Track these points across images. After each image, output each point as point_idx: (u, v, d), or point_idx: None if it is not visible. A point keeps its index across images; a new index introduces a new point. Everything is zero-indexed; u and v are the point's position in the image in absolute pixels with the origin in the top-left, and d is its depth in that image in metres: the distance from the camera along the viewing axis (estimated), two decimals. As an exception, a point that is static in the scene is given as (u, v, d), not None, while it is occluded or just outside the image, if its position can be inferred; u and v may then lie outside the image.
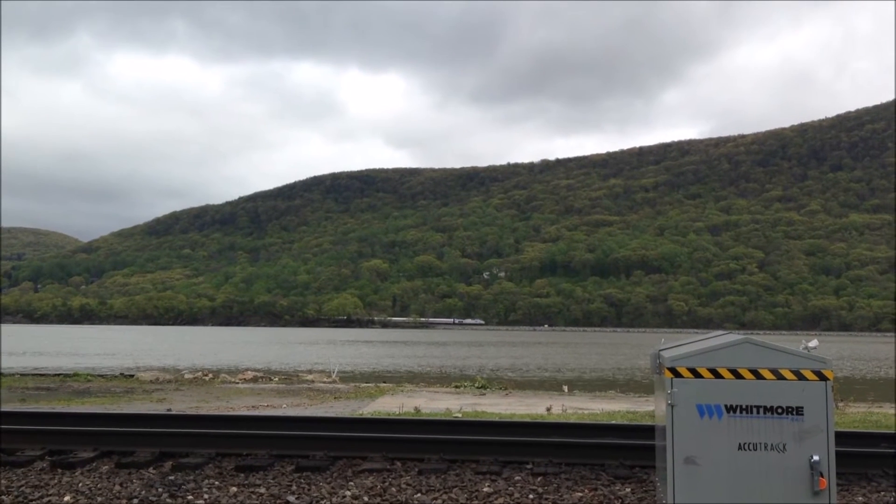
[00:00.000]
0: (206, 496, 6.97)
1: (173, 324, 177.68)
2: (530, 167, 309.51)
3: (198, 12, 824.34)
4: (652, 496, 7.00)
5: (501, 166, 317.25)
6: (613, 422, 11.93)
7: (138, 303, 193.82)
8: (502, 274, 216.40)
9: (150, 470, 7.88)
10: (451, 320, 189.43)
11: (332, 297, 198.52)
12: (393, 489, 7.19)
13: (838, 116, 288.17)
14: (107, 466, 7.96)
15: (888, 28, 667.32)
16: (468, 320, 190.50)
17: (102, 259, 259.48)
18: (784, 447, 4.91)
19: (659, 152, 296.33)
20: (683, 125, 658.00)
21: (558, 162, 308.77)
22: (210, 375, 26.19)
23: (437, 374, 34.25)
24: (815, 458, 4.86)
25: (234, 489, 7.16)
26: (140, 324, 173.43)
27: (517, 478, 7.59)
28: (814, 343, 5.22)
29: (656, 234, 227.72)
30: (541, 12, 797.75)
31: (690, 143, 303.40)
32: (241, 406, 16.05)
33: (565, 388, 23.78)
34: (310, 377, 26.68)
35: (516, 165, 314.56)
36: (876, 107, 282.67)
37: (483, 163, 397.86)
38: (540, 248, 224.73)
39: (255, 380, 24.79)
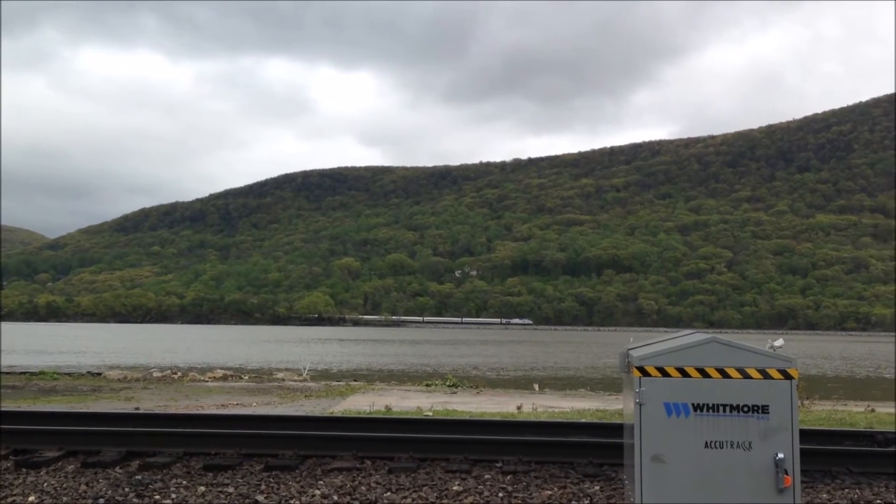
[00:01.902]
0: (173, 496, 6.91)
1: (142, 322, 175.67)
2: (502, 166, 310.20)
3: (168, 7, 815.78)
4: (620, 494, 7.05)
5: (473, 165, 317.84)
6: (583, 420, 12.00)
7: (106, 300, 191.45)
8: (474, 273, 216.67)
9: (117, 469, 7.79)
10: (498, 321, 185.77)
11: (303, 295, 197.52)
12: (363, 488, 7.18)
13: (805, 118, 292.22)
14: (72, 466, 7.87)
15: (854, 31, 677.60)
16: (516, 320, 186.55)
17: (70, 256, 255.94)
18: (750, 445, 4.97)
19: (630, 152, 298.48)
20: (653, 126, 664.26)
21: (530, 161, 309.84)
22: (179, 374, 25.96)
23: (409, 373, 34.23)
24: (780, 455, 4.92)
25: (203, 489, 7.11)
26: (108, 322, 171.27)
27: (487, 476, 7.62)
28: (779, 342, 5.28)
29: (627, 233, 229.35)
30: (513, 13, 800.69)
31: (661, 143, 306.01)
32: (210, 405, 15.92)
33: (536, 386, 23.88)
34: (280, 375, 26.54)
35: (488, 164, 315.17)
36: (842, 109, 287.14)
37: (455, 162, 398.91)
38: (511, 247, 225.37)
39: (224, 378, 24.61)
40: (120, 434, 8.68)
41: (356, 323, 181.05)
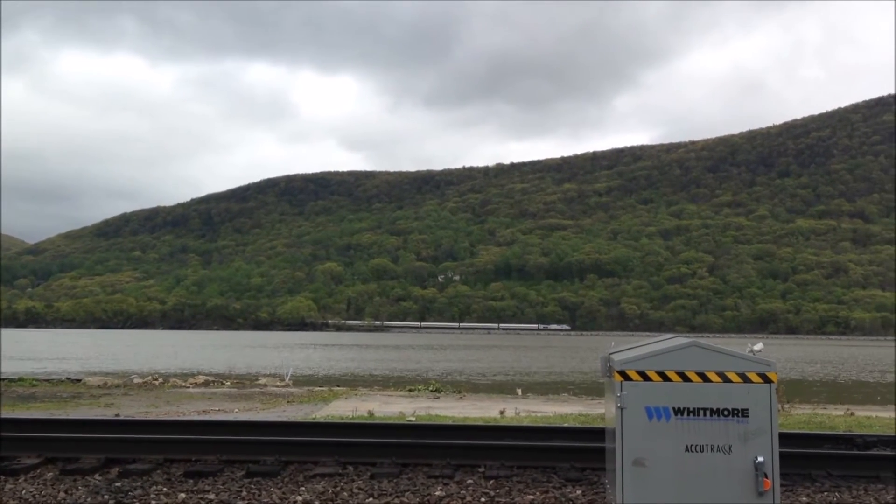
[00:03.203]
0: (153, 503, 6.87)
1: (122, 327, 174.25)
2: (485, 171, 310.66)
3: (148, 10, 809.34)
4: (602, 498, 7.07)
5: (456, 170, 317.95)
6: (565, 424, 12.03)
7: (86, 306, 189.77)
8: (457, 277, 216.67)
9: (97, 476, 7.73)
10: (535, 326, 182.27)
11: (286, 300, 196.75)
12: (345, 493, 7.16)
13: (785, 124, 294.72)
14: (51, 473, 7.80)
15: (833, 36, 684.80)
16: (554, 326, 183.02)
17: (49, 261, 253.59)
18: (730, 448, 5.00)
19: (612, 157, 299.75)
20: (635, 130, 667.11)
21: (513, 166, 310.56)
22: (160, 380, 25.79)
23: (392, 378, 34.17)
24: (760, 459, 4.96)
25: (183, 495, 7.06)
26: (88, 327, 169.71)
27: (469, 481, 7.61)
28: (759, 346, 5.33)
29: (609, 238, 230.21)
30: (495, 16, 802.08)
31: (643, 148, 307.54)
32: (191, 411, 15.82)
33: (519, 391, 23.91)
34: (263, 381, 26.42)
35: (471, 169, 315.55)
36: (822, 115, 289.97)
37: (438, 166, 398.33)
38: (494, 252, 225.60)
39: (206, 384, 24.47)
40: (99, 441, 8.61)
41: (341, 328, 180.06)
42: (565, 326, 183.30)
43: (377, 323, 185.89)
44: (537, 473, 7.92)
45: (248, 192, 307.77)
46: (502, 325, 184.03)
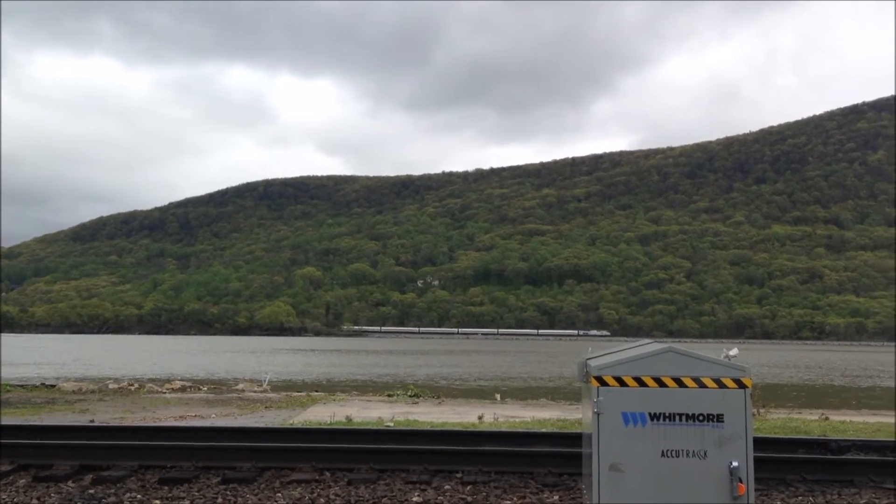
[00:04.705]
0: (127, 510, 6.80)
1: (98, 332, 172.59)
2: (464, 176, 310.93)
3: (124, 12, 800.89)
4: (579, 503, 7.09)
5: (436, 175, 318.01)
6: (543, 430, 12.05)
7: (61, 310, 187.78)
8: (436, 282, 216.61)
9: (70, 483, 7.65)
10: (574, 332, 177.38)
11: (264, 304, 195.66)
12: (321, 500, 7.14)
13: (762, 131, 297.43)
14: (24, 480, 7.71)
15: (808, 45, 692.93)
16: (594, 331, 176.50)
17: (24, 265, 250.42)
18: (705, 454, 5.04)
19: (591, 163, 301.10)
20: (614, 136, 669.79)
21: (492, 171, 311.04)
22: (136, 385, 25.55)
23: (371, 383, 34.09)
24: (735, 464, 5.00)
25: (158, 502, 7.00)
26: (63, 332, 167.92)
27: (447, 487, 7.61)
28: (734, 351, 5.36)
29: (588, 243, 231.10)
30: (475, 21, 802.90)
31: (621, 154, 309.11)
32: (167, 416, 15.69)
33: (498, 396, 23.92)
34: (240, 386, 26.26)
35: (451, 174, 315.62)
36: (797, 122, 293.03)
37: (417, 171, 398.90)
38: (474, 257, 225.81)
39: (183, 389, 24.29)
40: (73, 447, 8.53)
41: (356, 334, 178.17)
42: (605, 332, 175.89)
43: (391, 329, 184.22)
44: (515, 479, 7.93)
45: (226, 197, 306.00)
46: (541, 332, 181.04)
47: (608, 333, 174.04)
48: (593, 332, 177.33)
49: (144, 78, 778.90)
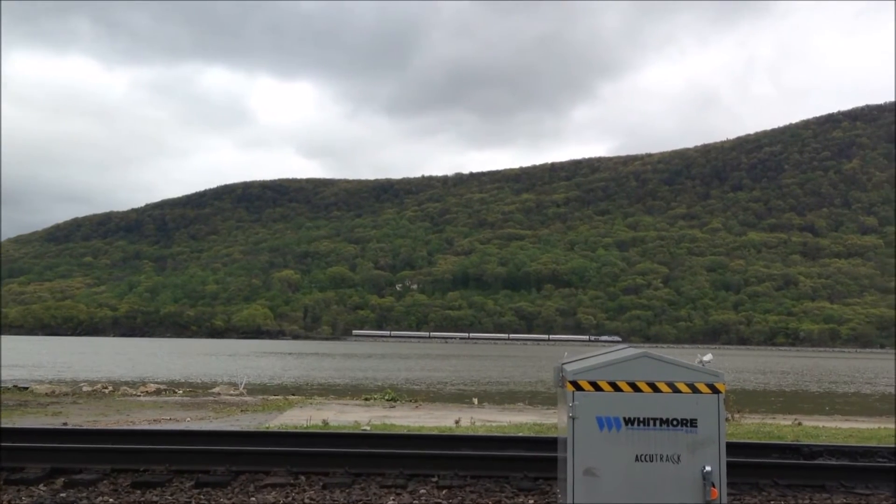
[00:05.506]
0: (99, 514, 6.73)
1: (72, 334, 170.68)
2: (444, 180, 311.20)
3: (103, 12, 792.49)
4: (554, 507, 7.11)
5: (415, 179, 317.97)
6: (520, 434, 12.08)
7: (35, 312, 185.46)
8: (415, 286, 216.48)
9: (41, 487, 7.57)
10: (585, 338, 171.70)
11: (241, 307, 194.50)
12: (296, 504, 7.10)
13: (739, 138, 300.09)
14: (-7, 484, 7.60)
15: (784, 55, 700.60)
16: (604, 337, 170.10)
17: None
18: (678, 458, 5.07)
19: (570, 169, 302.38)
20: (593, 142, 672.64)
21: (472, 175, 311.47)
22: (110, 388, 25.30)
23: (348, 387, 33.99)
24: (708, 468, 5.03)
25: (130, 506, 6.93)
26: (37, 334, 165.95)
27: (422, 491, 7.60)
28: (708, 357, 5.40)
29: (567, 248, 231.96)
30: (454, 26, 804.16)
31: (600, 160, 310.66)
32: (141, 420, 15.55)
33: (475, 400, 23.95)
34: (216, 390, 26.09)
35: (430, 178, 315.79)
36: (773, 130, 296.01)
37: (397, 175, 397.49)
38: (453, 261, 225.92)
39: (158, 392, 24.09)
40: (45, 450, 8.44)
41: (369, 338, 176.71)
42: (616, 338, 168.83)
43: (399, 333, 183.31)
44: (490, 483, 7.94)
45: (204, 199, 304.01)
46: (552, 337, 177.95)
47: (619, 339, 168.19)
48: (605, 336, 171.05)
49: (123, 78, 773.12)
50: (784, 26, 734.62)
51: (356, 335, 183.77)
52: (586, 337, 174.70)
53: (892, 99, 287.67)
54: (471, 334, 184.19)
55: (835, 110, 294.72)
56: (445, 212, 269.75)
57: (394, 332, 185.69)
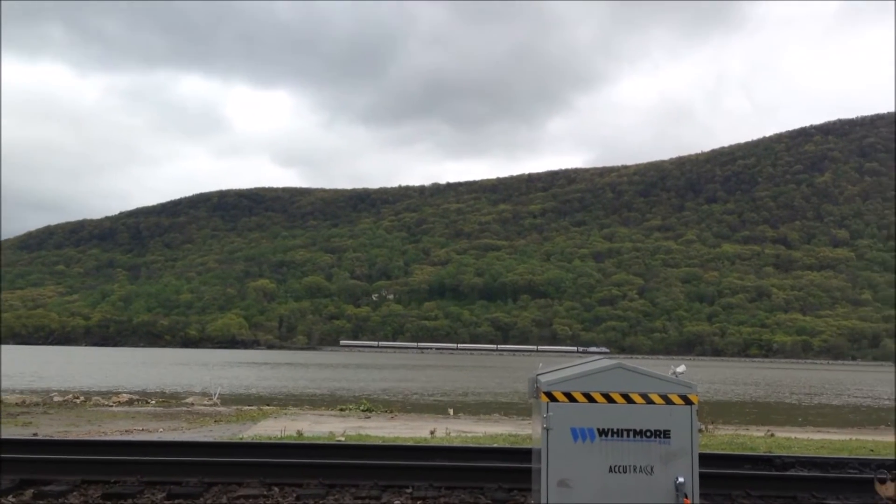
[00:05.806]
0: (69, 526, 6.64)
1: (44, 343, 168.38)
2: (421, 190, 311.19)
3: (76, 18, 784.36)
4: (529, 518, 7.11)
5: (392, 188, 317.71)
6: (495, 445, 12.08)
7: (6, 321, 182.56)
8: (391, 296, 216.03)
9: (10, 499, 7.46)
10: (574, 348, 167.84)
11: (216, 317, 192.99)
12: (269, 516, 7.05)
13: (713, 151, 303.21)
14: (-40, 496, 7.48)
15: (757, 69, 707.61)
16: (593, 348, 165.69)
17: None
18: (652, 469, 5.09)
19: (546, 180, 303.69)
20: (569, 153, 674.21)
21: (448, 186, 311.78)
22: (82, 398, 24.99)
23: (324, 397, 33.81)
24: (681, 479, 5.06)
25: (101, 518, 6.85)
26: (7, 343, 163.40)
27: (396, 502, 7.58)
28: (681, 368, 5.44)
29: (543, 259, 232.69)
30: (430, 37, 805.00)
31: (576, 171, 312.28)
32: (113, 430, 15.36)
33: (451, 411, 23.92)
34: (190, 400, 25.85)
35: (407, 188, 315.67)
36: (747, 143, 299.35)
37: (373, 184, 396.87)
38: (429, 271, 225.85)
39: (130, 402, 23.83)
40: (14, 461, 8.30)
41: (375, 349, 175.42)
42: (605, 349, 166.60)
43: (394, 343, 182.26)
44: (465, 494, 7.93)
45: (179, 207, 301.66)
46: (540, 348, 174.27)
47: (608, 350, 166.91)
48: (592, 348, 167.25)
49: (96, 85, 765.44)
50: (754, 43, 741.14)
51: (343, 345, 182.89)
52: (575, 348, 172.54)
53: (864, 114, 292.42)
54: (458, 345, 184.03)
55: (807, 124, 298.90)
56: (422, 222, 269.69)
57: (381, 343, 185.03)
